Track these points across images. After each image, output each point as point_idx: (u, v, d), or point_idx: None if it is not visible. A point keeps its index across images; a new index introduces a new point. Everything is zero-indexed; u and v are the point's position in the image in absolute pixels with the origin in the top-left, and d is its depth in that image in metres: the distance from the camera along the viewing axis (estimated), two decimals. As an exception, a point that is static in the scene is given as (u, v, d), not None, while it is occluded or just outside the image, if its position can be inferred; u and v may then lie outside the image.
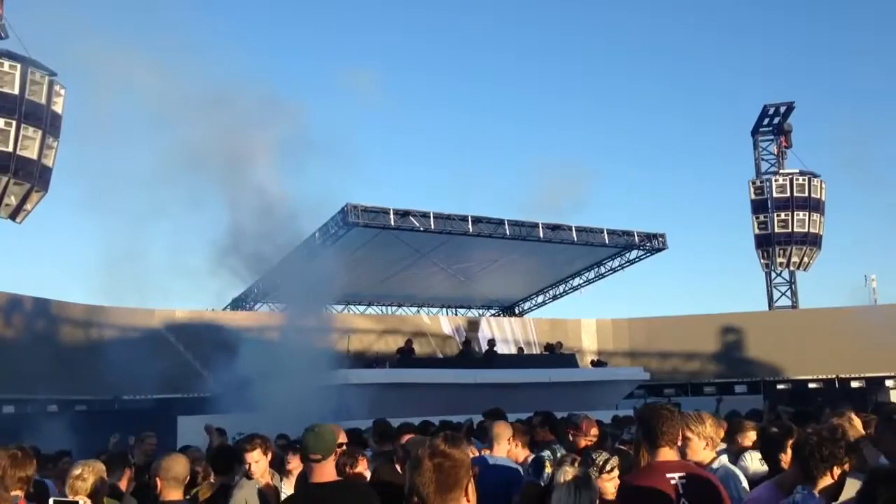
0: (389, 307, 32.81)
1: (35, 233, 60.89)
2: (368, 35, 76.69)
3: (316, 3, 76.37)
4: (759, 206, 38.15)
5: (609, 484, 4.17)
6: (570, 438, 5.85)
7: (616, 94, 76.15)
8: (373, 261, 26.05)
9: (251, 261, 22.82)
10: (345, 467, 5.19)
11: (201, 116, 22.67)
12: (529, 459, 5.74)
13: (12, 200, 24.67)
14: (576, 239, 25.90)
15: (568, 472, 4.03)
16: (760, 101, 41.23)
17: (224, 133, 22.18)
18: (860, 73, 69.30)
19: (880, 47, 68.33)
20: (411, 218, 23.18)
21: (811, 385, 30.96)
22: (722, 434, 5.61)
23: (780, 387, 30.77)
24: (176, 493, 4.50)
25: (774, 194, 37.43)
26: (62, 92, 25.50)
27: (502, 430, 5.68)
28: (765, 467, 5.01)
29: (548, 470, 4.93)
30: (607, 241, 26.76)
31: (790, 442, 4.16)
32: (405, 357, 21.40)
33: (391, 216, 22.82)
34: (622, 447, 5.97)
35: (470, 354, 22.70)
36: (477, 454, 5.78)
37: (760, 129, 39.65)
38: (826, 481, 3.51)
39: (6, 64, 23.94)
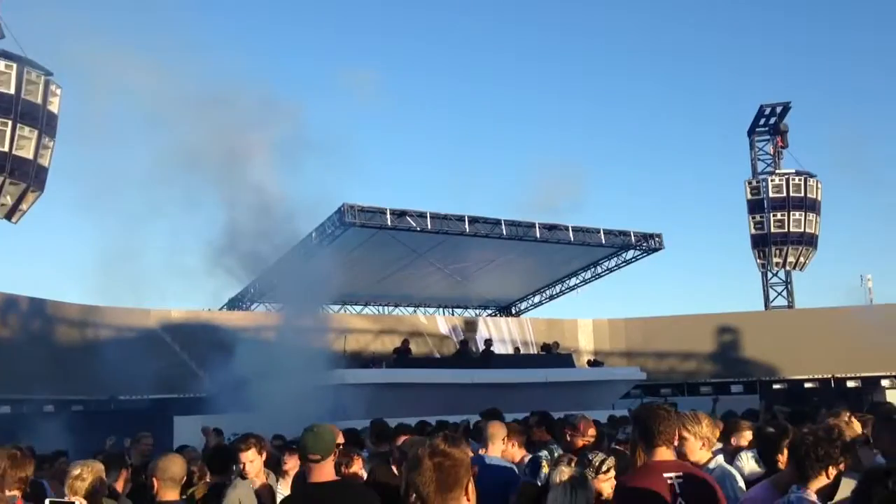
0: (386, 307, 32.79)
1: (31, 233, 60.91)
2: (367, 35, 76.80)
3: (314, 2, 76.40)
4: (755, 206, 38.21)
5: (605, 484, 4.17)
6: (568, 438, 5.85)
7: (612, 94, 76.26)
8: (369, 261, 26.04)
9: (248, 260, 22.81)
10: (339, 467, 5.19)
11: (198, 116, 22.65)
12: (526, 459, 5.74)
13: (8, 200, 24.63)
14: (572, 239, 25.92)
15: (564, 473, 4.03)
16: (757, 102, 41.32)
17: (221, 133, 22.16)
18: (856, 73, 69.45)
19: (876, 47, 68.50)
20: (408, 218, 23.18)
21: (807, 385, 31.02)
22: (718, 434, 5.62)
23: (776, 386, 30.84)
24: (172, 494, 4.49)
25: (771, 194, 37.48)
26: (58, 92, 25.45)
27: (496, 430, 5.68)
28: (759, 467, 5.03)
29: (545, 470, 4.93)
30: (604, 241, 26.79)
31: (786, 442, 4.17)
32: (402, 357, 21.39)
33: (388, 216, 22.82)
34: (618, 447, 5.98)
35: (467, 354, 22.70)
36: (472, 454, 5.78)
37: (757, 129, 39.71)
38: (821, 481, 3.52)
39: (2, 63, 23.89)
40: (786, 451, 4.03)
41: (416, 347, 25.61)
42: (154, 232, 46.98)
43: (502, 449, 5.63)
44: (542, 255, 27.44)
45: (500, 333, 30.24)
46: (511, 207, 53.86)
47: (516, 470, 5.53)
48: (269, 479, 5.78)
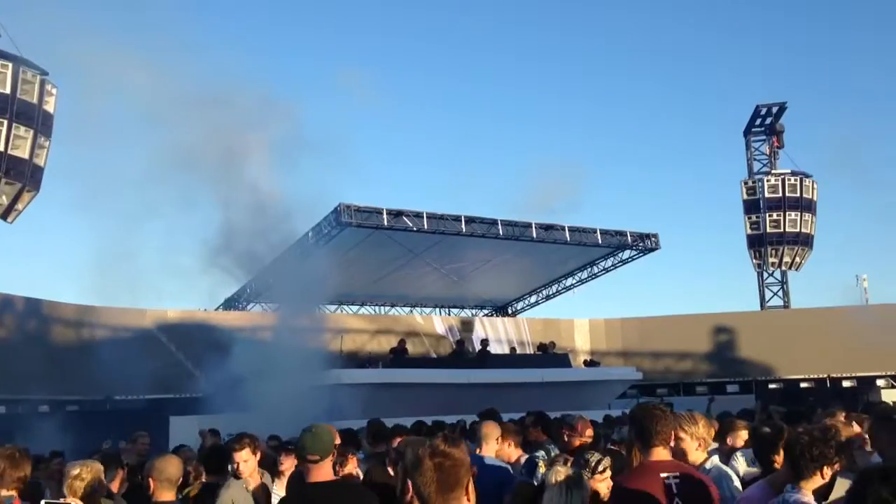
0: (382, 307, 32.79)
1: (26, 232, 60.67)
2: (365, 35, 76.83)
3: (313, 2, 76.37)
4: (751, 207, 38.27)
5: (601, 484, 4.17)
6: (566, 439, 5.85)
7: (608, 94, 76.42)
8: (366, 261, 26.04)
9: (244, 260, 22.81)
10: (335, 467, 5.18)
11: (194, 116, 22.66)
12: (522, 459, 5.75)
13: (3, 200, 24.60)
14: (569, 239, 25.95)
15: (560, 473, 4.03)
16: (753, 102, 41.41)
17: (217, 132, 22.16)
18: (852, 73, 69.62)
19: (872, 48, 68.68)
20: (404, 218, 23.18)
21: (803, 385, 31.11)
22: (713, 434, 5.62)
23: (771, 386, 30.91)
24: (169, 494, 4.49)
25: (766, 194, 37.56)
26: (54, 91, 25.42)
27: (490, 430, 5.69)
28: (753, 468, 5.04)
29: (541, 470, 4.93)
30: (600, 241, 26.81)
31: (782, 442, 4.18)
32: (398, 357, 21.39)
33: (384, 216, 22.81)
34: (613, 447, 5.98)
35: (463, 354, 22.70)
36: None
37: (753, 130, 39.80)
38: (816, 481, 3.52)
39: (-2, 63, 23.86)
40: (782, 451, 4.03)
41: (412, 347, 25.59)
42: (150, 232, 46.99)
43: (496, 449, 5.63)
44: (538, 255, 27.46)
45: (496, 333, 30.25)
46: (507, 207, 54.02)
47: (511, 470, 5.53)
48: (263, 479, 5.76)
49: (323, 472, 4.08)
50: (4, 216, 25.00)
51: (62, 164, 27.69)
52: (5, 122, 23.76)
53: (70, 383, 21.64)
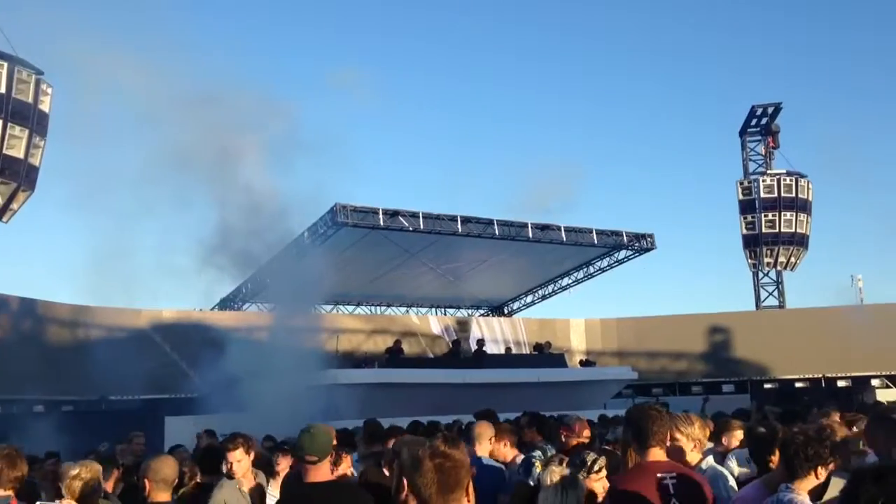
0: (378, 307, 32.77)
1: (21, 232, 60.58)
2: (363, 34, 76.72)
3: (310, 1, 76.34)
4: (746, 207, 38.33)
5: (597, 484, 4.18)
6: (563, 439, 5.86)
7: (604, 94, 76.44)
8: (362, 261, 26.02)
9: (239, 260, 22.72)
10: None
11: (190, 115, 22.55)
12: (518, 459, 5.76)
13: (-2, 200, 24.52)
14: (565, 239, 25.96)
15: (555, 472, 4.04)
16: (748, 102, 41.48)
17: (213, 132, 22.07)
18: (847, 73, 69.78)
19: (868, 48, 68.82)
20: (400, 218, 23.17)
21: (798, 384, 31.16)
22: (708, 434, 5.64)
23: (766, 386, 30.98)
24: (164, 495, 4.49)
25: (762, 194, 37.61)
26: (49, 91, 25.34)
27: (483, 430, 5.70)
28: (744, 468, 5.05)
29: (538, 469, 4.94)
30: (596, 241, 26.82)
31: (777, 442, 4.19)
32: (394, 357, 21.40)
33: (380, 216, 22.80)
34: (607, 447, 6.00)
35: (459, 354, 22.71)
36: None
37: (748, 130, 39.87)
38: (811, 480, 3.54)
39: (-8, 62, 23.79)
40: (777, 451, 4.04)
41: (408, 347, 25.61)
42: (145, 232, 46.87)
43: (489, 449, 5.64)
44: (534, 255, 27.47)
45: (492, 333, 30.28)
46: (503, 207, 54.01)
47: (504, 469, 5.54)
48: (257, 479, 5.75)
49: (321, 472, 4.08)
50: (-1, 216, 24.95)
51: (57, 164, 27.60)
52: (0, 122, 23.70)
53: (65, 383, 21.60)
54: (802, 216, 37.77)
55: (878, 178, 68.33)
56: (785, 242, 37.54)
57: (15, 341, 22.30)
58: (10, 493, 4.04)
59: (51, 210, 62.34)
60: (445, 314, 33.20)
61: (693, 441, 4.58)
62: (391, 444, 6.15)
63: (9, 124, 23.90)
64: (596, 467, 4.20)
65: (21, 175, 24.53)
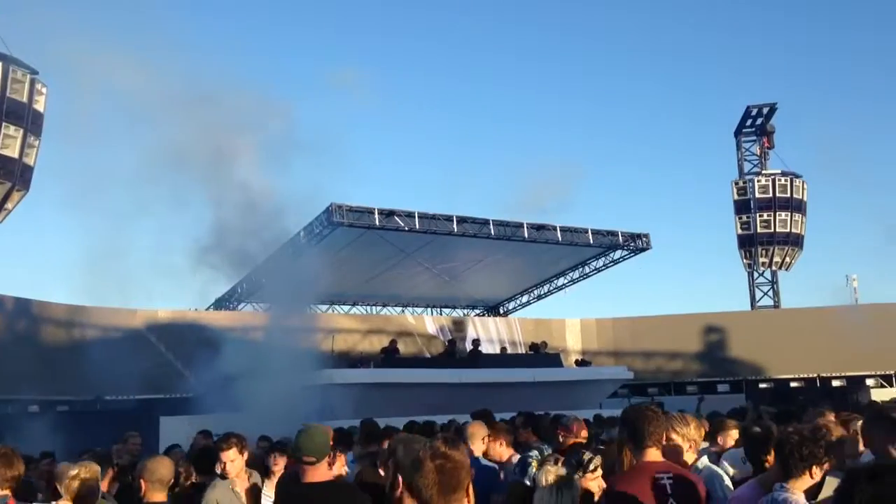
0: (374, 307, 32.76)
1: (16, 232, 60.39)
2: (360, 34, 76.72)
3: (309, 0, 76.25)
4: (741, 207, 38.43)
5: (593, 483, 4.18)
6: (561, 439, 5.87)
7: (599, 94, 76.53)
8: (357, 260, 26.00)
9: (235, 260, 22.68)
10: (321, 466, 5.17)
11: (186, 115, 22.50)
12: (513, 459, 5.76)
13: (-7, 199, 24.48)
14: (560, 239, 25.97)
15: (550, 472, 4.03)
16: (743, 102, 41.59)
17: (209, 131, 22.01)
18: (842, 74, 69.94)
19: (863, 48, 69.01)
20: (396, 218, 23.16)
21: (793, 384, 31.24)
22: (703, 435, 5.65)
23: (762, 386, 31.05)
24: (160, 495, 4.49)
25: (757, 195, 37.71)
26: (44, 90, 25.31)
27: (476, 430, 5.70)
28: (736, 469, 5.06)
29: (533, 469, 4.95)
30: (592, 241, 26.84)
31: (773, 441, 4.20)
32: (389, 357, 21.38)
33: (376, 216, 22.79)
34: (601, 447, 6.00)
35: (454, 354, 22.70)
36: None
37: (743, 130, 39.97)
38: (805, 480, 3.54)
39: (-13, 61, 23.76)
40: (772, 451, 4.05)
41: (403, 347, 25.60)
42: (141, 231, 46.72)
43: (482, 449, 5.64)
44: (530, 255, 27.48)
45: (487, 333, 30.27)
46: (499, 207, 54.05)
47: (497, 469, 5.55)
48: (251, 479, 5.72)
49: (319, 472, 4.08)
50: (-6, 215, 24.90)
51: (52, 164, 27.59)
52: (-5, 121, 23.67)
53: (60, 383, 21.55)
54: (797, 216, 37.88)
55: (872, 178, 68.57)
56: (780, 242, 37.64)
57: (10, 341, 22.25)
58: (7, 492, 4.03)
59: (46, 210, 62.28)
60: (441, 314, 33.21)
61: (689, 441, 4.59)
62: (387, 444, 6.15)
63: (3, 124, 23.89)
64: (591, 466, 4.20)
65: (16, 175, 24.50)
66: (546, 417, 9.13)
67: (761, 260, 38.27)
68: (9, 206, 25.08)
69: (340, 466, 5.76)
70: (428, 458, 2.29)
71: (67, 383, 21.56)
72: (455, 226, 24.22)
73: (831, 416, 5.87)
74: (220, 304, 29.12)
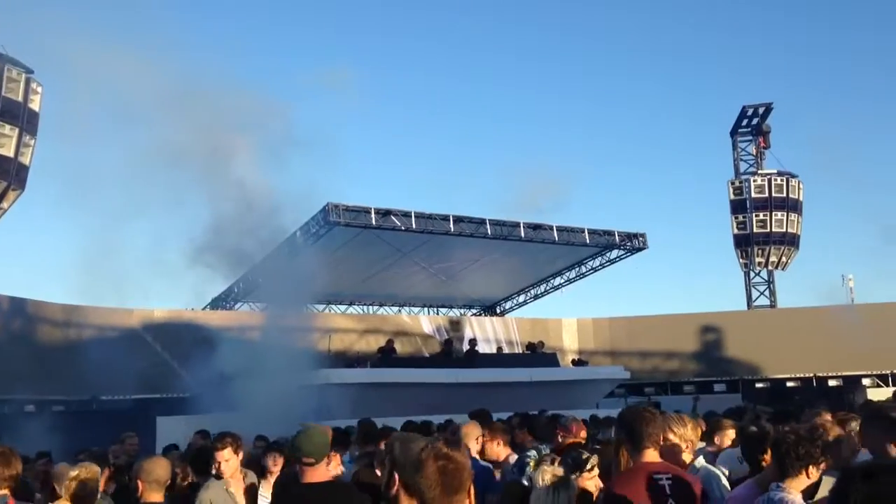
0: (371, 307, 32.74)
1: (12, 232, 60.14)
2: (359, 34, 76.73)
3: (308, 0, 76.17)
4: (737, 207, 38.49)
5: (590, 482, 4.19)
6: (560, 440, 5.87)
7: (597, 94, 76.61)
8: (354, 260, 25.98)
9: (231, 259, 22.66)
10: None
11: (182, 114, 22.49)
12: (511, 459, 5.77)
13: (-11, 199, 24.43)
14: (557, 238, 25.97)
15: (546, 472, 4.04)
16: (740, 102, 41.66)
17: (205, 130, 22.00)
18: (838, 73, 70.07)
19: (859, 48, 69.12)
20: (392, 217, 23.14)
21: (789, 384, 31.28)
22: (699, 435, 5.66)
23: (758, 385, 31.08)
24: (157, 496, 4.48)
25: (753, 194, 37.78)
26: (39, 89, 25.25)
27: (470, 430, 5.71)
28: (726, 469, 5.07)
29: (531, 469, 4.96)
30: (588, 241, 26.84)
31: (770, 441, 4.20)
32: (386, 357, 21.37)
33: (372, 215, 22.77)
34: (597, 447, 6.01)
35: (451, 354, 22.70)
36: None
37: (739, 130, 40.03)
38: (802, 479, 3.55)
39: (-18, 61, 23.71)
40: (769, 451, 4.06)
41: (400, 347, 25.58)
42: (137, 231, 46.73)
43: (477, 449, 5.65)
44: (526, 255, 27.48)
45: (484, 333, 30.25)
46: (496, 207, 54.07)
47: (492, 469, 5.56)
48: (246, 479, 5.71)
49: (318, 473, 4.07)
50: (-11, 215, 24.85)
51: (48, 163, 27.52)
52: (-10, 121, 23.62)
53: (56, 383, 21.50)
54: (793, 216, 37.95)
55: (868, 178, 68.72)
56: (776, 242, 37.71)
57: (6, 341, 22.20)
58: (6, 492, 4.03)
59: (42, 209, 62.23)
60: (438, 314, 33.18)
61: (685, 442, 4.60)
62: (383, 444, 6.14)
63: (-1, 123, 23.83)
64: (588, 466, 4.21)
65: (11, 174, 24.46)
66: (542, 417, 9.14)
67: (757, 260, 38.34)
68: (4, 205, 25.03)
69: (336, 466, 5.75)
70: (431, 458, 2.29)
71: (63, 383, 21.52)
72: (452, 225, 24.21)
73: (828, 416, 5.89)
74: (216, 303, 29.08)
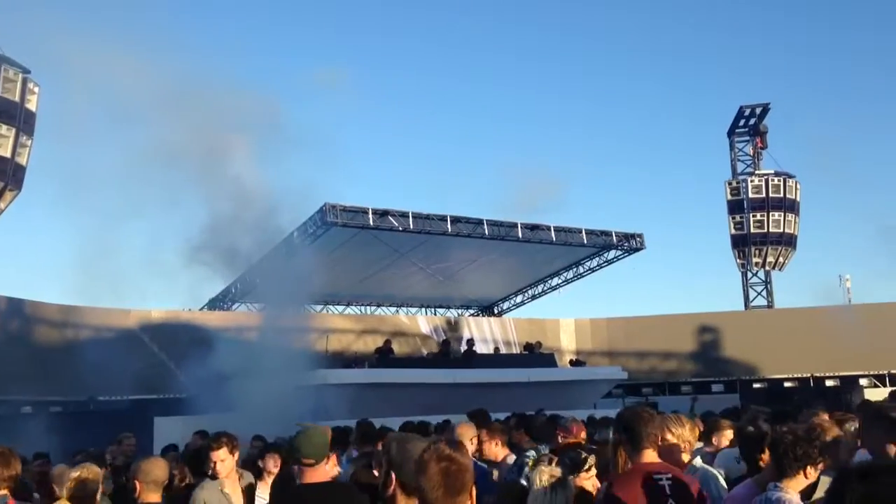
0: (368, 307, 32.73)
1: (9, 232, 60.06)
2: (358, 34, 76.73)
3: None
4: (735, 207, 38.52)
5: (587, 482, 4.19)
6: (560, 440, 5.87)
7: (594, 94, 76.63)
8: (351, 260, 25.97)
9: (228, 259, 22.65)
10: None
11: (179, 114, 22.47)
12: (509, 459, 5.77)
13: (-15, 199, 24.40)
14: (554, 239, 25.97)
15: (543, 472, 4.04)
16: (737, 102, 41.69)
17: (202, 130, 21.99)
18: (835, 73, 70.16)
19: (857, 48, 69.20)
20: (390, 217, 23.13)
21: (787, 384, 31.29)
22: (697, 435, 5.66)
23: (755, 386, 31.09)
24: (154, 496, 4.48)
25: (750, 195, 37.80)
26: (36, 90, 25.21)
27: (465, 431, 5.71)
28: (734, 469, 5.08)
29: (529, 469, 4.96)
30: (585, 241, 26.84)
31: (767, 441, 4.21)
32: (384, 357, 21.36)
33: (370, 216, 22.76)
34: (594, 447, 6.02)
35: (449, 354, 22.70)
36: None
37: (736, 130, 40.06)
38: (800, 480, 3.56)
39: (-21, 61, 23.67)
40: (767, 451, 4.06)
41: (398, 347, 25.58)
42: (134, 231, 46.67)
43: (472, 449, 5.65)
44: (524, 255, 27.49)
45: (482, 333, 30.25)
46: (493, 207, 54.05)
47: (488, 469, 5.57)
48: (245, 480, 5.69)
49: (318, 473, 4.07)
50: (-14, 215, 24.80)
51: (45, 163, 27.49)
52: (-13, 121, 23.59)
53: (53, 384, 21.46)
54: (790, 216, 37.99)
55: (865, 178, 68.84)
56: (773, 242, 37.74)
57: (2, 341, 22.17)
58: (5, 492, 4.02)
59: (38, 210, 62.05)
60: (435, 314, 33.17)
61: (683, 442, 4.60)
62: (380, 445, 6.14)
63: (-5, 123, 23.79)
64: (586, 466, 4.21)
65: (8, 174, 24.42)
66: (539, 417, 9.15)
67: (755, 260, 38.37)
68: (1, 205, 25.00)
69: (332, 466, 5.74)
70: (434, 460, 2.29)
71: (60, 384, 21.48)
72: (449, 226, 24.21)
73: (825, 417, 5.90)
74: (213, 304, 29.05)
